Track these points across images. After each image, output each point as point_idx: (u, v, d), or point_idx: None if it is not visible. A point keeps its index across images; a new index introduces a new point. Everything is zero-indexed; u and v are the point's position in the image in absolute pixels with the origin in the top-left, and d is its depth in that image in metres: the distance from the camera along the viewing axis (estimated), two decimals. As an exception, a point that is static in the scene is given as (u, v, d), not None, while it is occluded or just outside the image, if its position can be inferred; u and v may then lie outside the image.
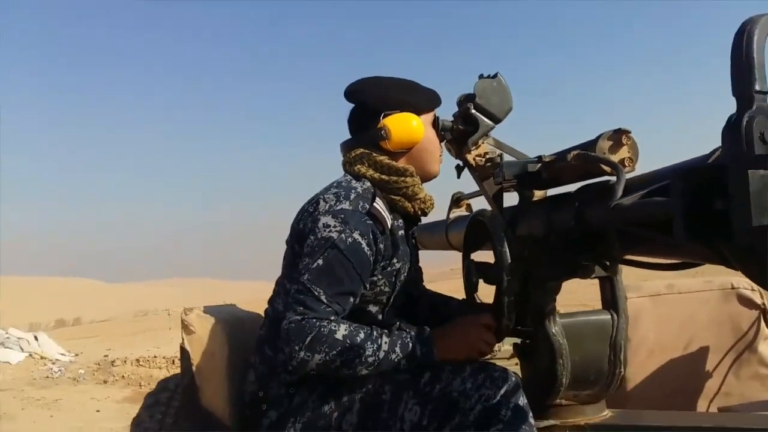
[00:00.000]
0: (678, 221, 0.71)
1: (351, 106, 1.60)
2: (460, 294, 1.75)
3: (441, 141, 1.62)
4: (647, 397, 2.06)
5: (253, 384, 1.46)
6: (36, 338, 10.84)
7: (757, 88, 0.68)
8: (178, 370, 1.68)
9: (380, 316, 1.52)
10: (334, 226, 1.37)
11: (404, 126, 1.51)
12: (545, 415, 1.46)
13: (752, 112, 0.67)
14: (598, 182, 1.35)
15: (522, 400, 1.32)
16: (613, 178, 1.13)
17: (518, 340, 1.58)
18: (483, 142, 1.60)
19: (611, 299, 1.48)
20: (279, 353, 1.37)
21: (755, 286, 2.08)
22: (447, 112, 1.64)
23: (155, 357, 9.87)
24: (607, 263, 1.39)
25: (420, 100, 1.57)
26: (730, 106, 0.72)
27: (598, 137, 1.31)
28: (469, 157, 1.61)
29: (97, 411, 6.91)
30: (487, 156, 1.60)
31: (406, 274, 1.56)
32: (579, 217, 1.27)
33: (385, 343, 1.34)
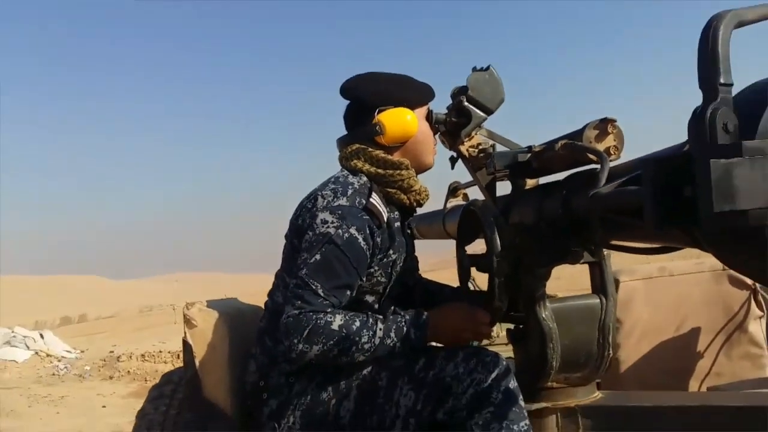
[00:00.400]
0: (648, 208, 0.74)
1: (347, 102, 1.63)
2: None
3: (435, 133, 1.65)
4: (640, 379, 2.11)
5: (255, 374, 1.50)
6: (42, 336, 10.92)
7: (722, 80, 0.71)
8: (182, 364, 1.72)
9: (377, 306, 1.57)
10: (332, 222, 1.41)
11: (398, 121, 1.54)
12: (537, 398, 1.50)
13: (716, 104, 0.70)
14: (585, 170, 1.38)
15: (512, 384, 1.37)
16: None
17: (512, 326, 1.63)
18: (476, 134, 1.63)
19: (600, 284, 1.51)
20: (279, 344, 1.41)
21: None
22: (442, 104, 1.68)
23: (160, 352, 9.95)
24: (593, 248, 1.43)
25: (413, 94, 1.60)
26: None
27: (585, 126, 1.34)
28: (463, 149, 1.64)
29: (103, 407, 6.99)
30: (480, 147, 1.63)
31: (402, 264, 1.60)
32: (566, 204, 1.31)
33: (380, 329, 1.38)
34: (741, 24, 0.75)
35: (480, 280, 1.66)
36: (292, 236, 1.52)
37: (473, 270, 1.65)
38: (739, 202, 0.66)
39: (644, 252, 1.21)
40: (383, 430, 1.40)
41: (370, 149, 1.54)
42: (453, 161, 1.74)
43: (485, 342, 3.14)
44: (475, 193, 2.29)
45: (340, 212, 1.42)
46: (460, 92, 1.58)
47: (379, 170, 1.53)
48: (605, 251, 1.49)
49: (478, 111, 1.58)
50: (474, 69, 1.57)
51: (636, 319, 2.17)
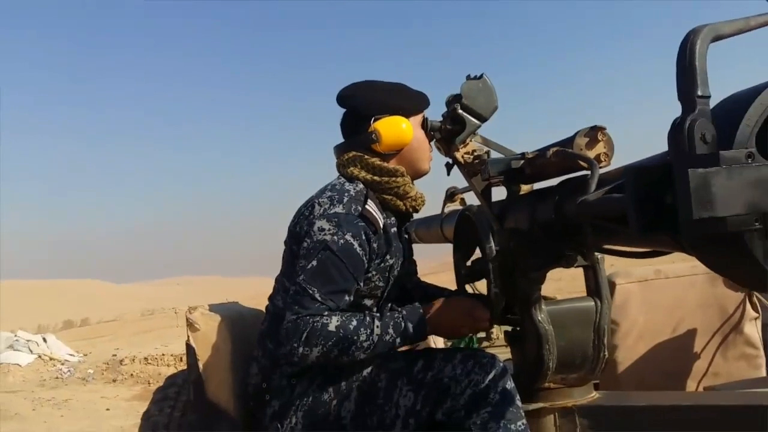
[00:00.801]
0: (631, 215, 0.78)
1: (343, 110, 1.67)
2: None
3: (430, 140, 1.69)
4: (638, 380, 2.14)
5: (257, 376, 1.54)
6: (45, 340, 10.96)
7: (699, 93, 0.75)
8: (185, 367, 1.76)
9: (375, 310, 1.60)
10: (328, 230, 1.45)
11: (394, 129, 1.58)
12: (535, 398, 1.54)
13: (694, 116, 0.74)
14: (578, 176, 1.41)
15: (509, 384, 1.40)
16: None
17: (510, 328, 1.66)
18: (470, 140, 1.66)
19: (594, 286, 1.55)
20: (280, 347, 1.44)
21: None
22: (438, 111, 1.71)
23: (163, 355, 9.99)
24: (585, 252, 1.46)
25: (409, 103, 1.64)
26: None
27: (576, 134, 1.37)
28: (458, 155, 1.67)
29: (107, 409, 7.02)
30: (475, 153, 1.66)
31: (399, 268, 1.63)
32: (558, 210, 1.34)
33: (377, 326, 1.41)
34: (717, 38, 0.78)
35: (479, 283, 1.69)
36: (291, 243, 1.56)
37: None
38: (717, 209, 0.70)
39: (635, 256, 1.25)
40: (383, 430, 1.43)
41: (366, 157, 1.57)
42: (449, 167, 1.77)
43: (485, 344, 3.18)
44: (473, 198, 2.32)
45: (336, 220, 1.46)
46: (454, 100, 1.62)
47: (375, 177, 1.56)
48: (599, 255, 1.52)
49: (472, 119, 1.61)
50: (468, 77, 1.61)
51: (633, 321, 2.20)
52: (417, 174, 1.66)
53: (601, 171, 1.25)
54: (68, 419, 6.56)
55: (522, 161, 1.48)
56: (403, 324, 1.44)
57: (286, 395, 1.48)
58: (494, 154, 1.63)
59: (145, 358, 9.80)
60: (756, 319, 2.22)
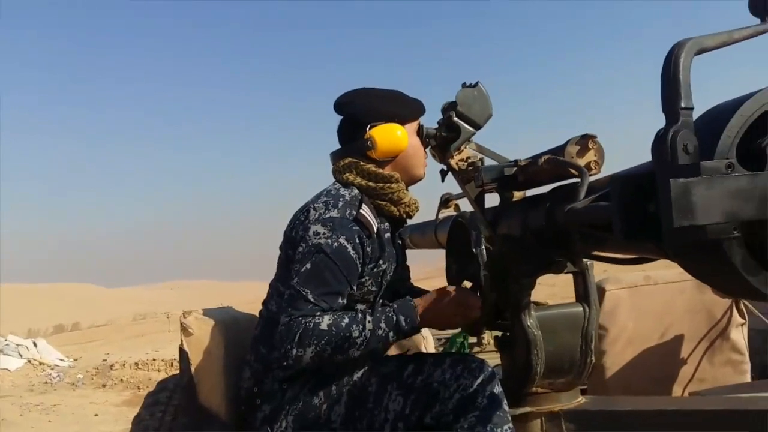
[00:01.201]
0: (615, 222, 0.80)
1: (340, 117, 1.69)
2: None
3: (425, 147, 1.71)
4: (626, 385, 2.16)
5: (249, 380, 1.55)
6: (35, 344, 10.88)
7: (683, 105, 0.77)
8: (177, 372, 1.76)
9: None
10: (323, 234, 1.46)
11: (389, 136, 1.60)
12: (523, 403, 1.55)
13: (677, 127, 0.76)
14: (569, 184, 1.44)
15: (497, 389, 1.42)
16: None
17: (500, 333, 1.68)
18: (465, 147, 1.68)
19: (583, 292, 1.57)
20: (273, 351, 1.45)
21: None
22: (434, 118, 1.74)
23: (154, 360, 9.94)
24: (574, 258, 1.48)
25: (404, 110, 1.66)
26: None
27: (567, 142, 1.40)
28: (452, 162, 1.69)
29: (96, 415, 6.97)
30: (469, 160, 1.68)
31: (392, 274, 1.65)
32: (549, 216, 1.36)
33: (369, 321, 1.42)
34: (701, 51, 0.80)
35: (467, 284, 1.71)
36: (287, 247, 1.57)
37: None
38: (697, 218, 0.72)
39: (623, 262, 1.27)
40: (373, 434, 1.44)
41: (361, 163, 1.59)
42: (443, 174, 1.79)
43: (476, 349, 3.20)
44: (467, 205, 2.34)
45: (331, 224, 1.47)
46: (449, 108, 1.64)
47: (370, 183, 1.58)
48: (588, 261, 1.54)
49: (466, 126, 1.63)
50: (463, 85, 1.63)
51: (621, 326, 2.22)
52: (412, 180, 1.68)
53: (592, 179, 1.28)
54: (56, 425, 6.51)
55: (515, 168, 1.51)
56: (395, 318, 1.44)
57: (277, 399, 1.49)
58: (488, 162, 1.65)
59: (136, 363, 9.75)
60: (742, 325, 2.26)
